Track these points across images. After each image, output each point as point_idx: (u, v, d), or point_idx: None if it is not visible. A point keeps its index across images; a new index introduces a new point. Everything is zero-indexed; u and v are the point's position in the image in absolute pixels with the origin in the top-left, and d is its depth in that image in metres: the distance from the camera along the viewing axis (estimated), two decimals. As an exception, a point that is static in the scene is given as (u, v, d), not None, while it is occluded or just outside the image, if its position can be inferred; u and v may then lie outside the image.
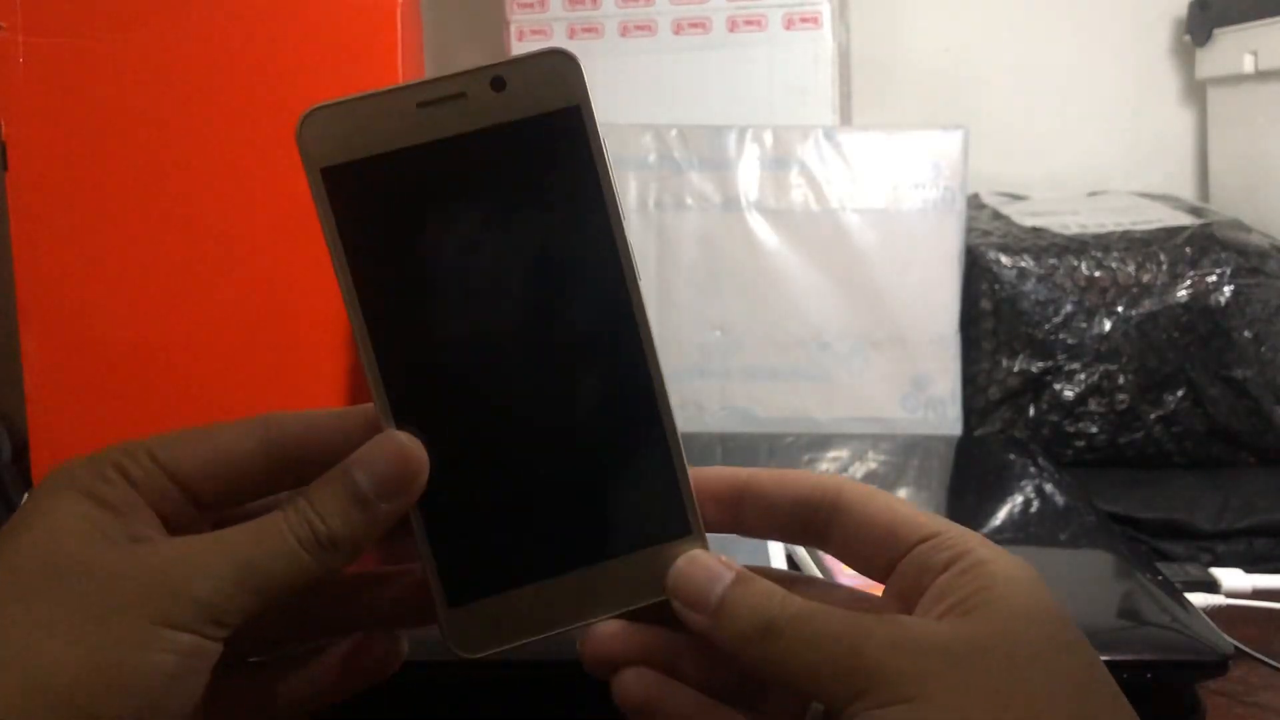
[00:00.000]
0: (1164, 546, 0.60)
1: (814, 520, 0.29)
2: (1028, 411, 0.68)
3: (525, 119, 0.26)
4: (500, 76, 0.26)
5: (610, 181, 0.27)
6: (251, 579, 0.26)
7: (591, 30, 0.76)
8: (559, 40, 0.76)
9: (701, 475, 0.30)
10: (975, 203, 0.81)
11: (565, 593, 0.27)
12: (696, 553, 0.29)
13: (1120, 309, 0.67)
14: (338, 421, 0.29)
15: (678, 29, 0.75)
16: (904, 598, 0.28)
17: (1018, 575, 0.27)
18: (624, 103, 0.75)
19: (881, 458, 0.62)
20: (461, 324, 0.27)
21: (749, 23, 0.75)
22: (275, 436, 0.29)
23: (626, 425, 0.27)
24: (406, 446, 0.27)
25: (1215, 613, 0.48)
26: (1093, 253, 0.68)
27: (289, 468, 0.29)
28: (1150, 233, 0.69)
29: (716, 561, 0.28)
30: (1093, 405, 0.67)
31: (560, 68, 0.26)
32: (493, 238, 0.26)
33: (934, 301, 0.68)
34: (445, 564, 0.27)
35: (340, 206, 0.26)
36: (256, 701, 0.31)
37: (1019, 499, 0.55)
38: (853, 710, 0.25)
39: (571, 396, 0.27)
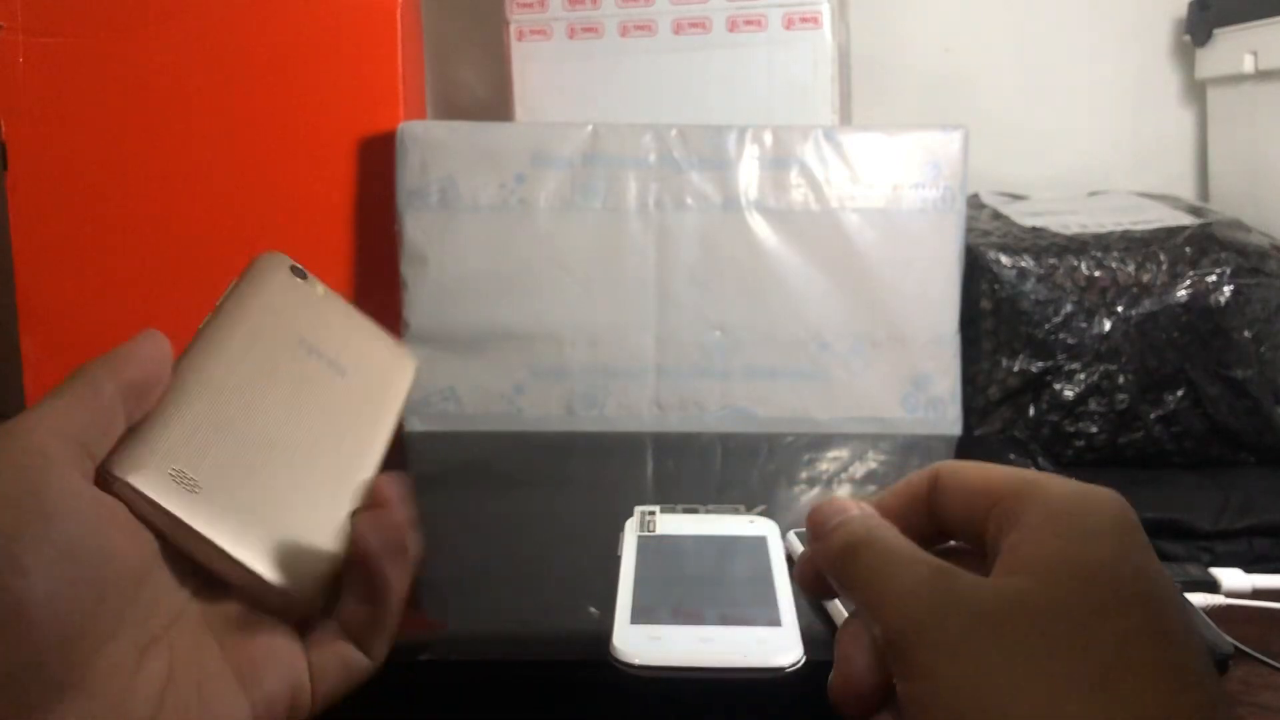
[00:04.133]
0: (1164, 546, 0.59)
1: (924, 509, 0.31)
2: (1028, 411, 0.68)
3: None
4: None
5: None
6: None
7: (591, 30, 0.76)
8: (559, 39, 0.76)
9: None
10: (975, 203, 0.81)
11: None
12: (836, 497, 0.32)
13: (1120, 309, 0.67)
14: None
15: (678, 29, 0.75)
16: (991, 559, 0.28)
17: (1084, 528, 0.27)
18: (624, 103, 0.75)
19: (881, 458, 0.62)
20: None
21: (749, 23, 0.75)
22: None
23: None
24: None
25: (1215, 613, 0.48)
26: (1093, 253, 0.68)
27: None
28: (1150, 233, 0.69)
29: (852, 502, 0.32)
30: (1093, 405, 0.67)
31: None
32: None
33: (934, 301, 0.68)
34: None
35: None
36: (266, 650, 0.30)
37: (1019, 499, 0.55)
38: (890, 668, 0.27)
39: None
